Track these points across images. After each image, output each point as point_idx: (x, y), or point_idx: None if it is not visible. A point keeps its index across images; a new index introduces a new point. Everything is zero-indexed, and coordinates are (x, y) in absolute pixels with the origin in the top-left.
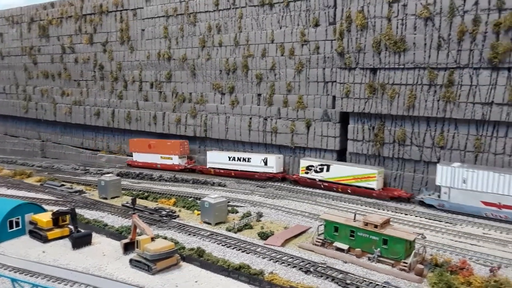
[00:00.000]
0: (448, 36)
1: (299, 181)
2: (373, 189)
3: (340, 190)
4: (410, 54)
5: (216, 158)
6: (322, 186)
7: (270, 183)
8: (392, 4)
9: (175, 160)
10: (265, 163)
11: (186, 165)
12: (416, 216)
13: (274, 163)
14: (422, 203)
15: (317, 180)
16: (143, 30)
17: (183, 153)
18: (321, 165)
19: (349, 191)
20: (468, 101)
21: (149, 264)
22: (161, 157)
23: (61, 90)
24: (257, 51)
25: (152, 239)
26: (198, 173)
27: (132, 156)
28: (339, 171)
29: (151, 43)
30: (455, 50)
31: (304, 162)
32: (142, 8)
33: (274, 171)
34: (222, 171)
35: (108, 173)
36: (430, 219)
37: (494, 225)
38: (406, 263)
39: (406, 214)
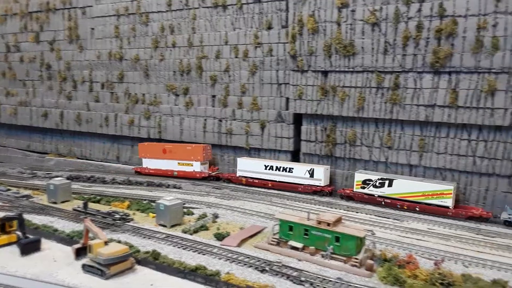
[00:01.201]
0: (393, 41)
1: (354, 197)
2: (447, 207)
3: (405, 207)
4: (359, 58)
5: (249, 166)
6: (382, 202)
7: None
8: (341, 9)
9: (196, 167)
10: (311, 175)
11: (210, 172)
12: (366, 214)
13: (322, 175)
14: (508, 223)
15: (376, 196)
16: (92, 29)
17: (206, 159)
18: (382, 179)
19: (417, 209)
20: (412, 103)
21: (103, 269)
22: (178, 163)
23: (5, 90)
24: (211, 53)
25: (106, 243)
26: (225, 182)
27: (141, 162)
28: (405, 187)
29: (102, 42)
30: (400, 54)
31: (360, 176)
32: (92, 6)
33: (322, 184)
34: (256, 181)
35: (57, 176)
36: (379, 216)
37: (438, 220)
38: (357, 259)
39: (357, 212)
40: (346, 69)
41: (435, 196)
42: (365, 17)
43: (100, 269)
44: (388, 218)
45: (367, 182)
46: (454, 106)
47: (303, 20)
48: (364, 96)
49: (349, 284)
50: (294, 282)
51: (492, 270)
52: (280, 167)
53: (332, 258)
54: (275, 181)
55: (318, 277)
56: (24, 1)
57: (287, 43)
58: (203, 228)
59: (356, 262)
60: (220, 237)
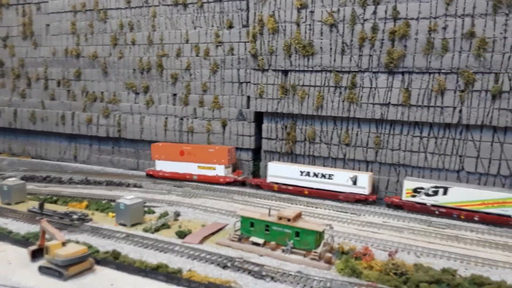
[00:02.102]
0: (350, 42)
1: (404, 206)
2: (510, 216)
3: (462, 217)
4: (318, 57)
5: (281, 172)
6: (436, 212)
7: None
8: (300, 10)
9: (219, 171)
10: (354, 182)
11: (236, 176)
12: (325, 209)
13: (366, 182)
14: None
15: (429, 205)
16: (48, 25)
17: (231, 162)
18: (435, 187)
19: (476, 218)
20: (368, 102)
21: (61, 270)
22: (198, 166)
23: None
24: (172, 51)
25: (63, 244)
26: (253, 188)
27: (153, 165)
28: (462, 195)
29: (57, 39)
30: (357, 55)
31: (410, 184)
32: (47, 2)
33: (366, 192)
34: (290, 188)
35: (11, 177)
36: (338, 211)
37: (392, 214)
38: (317, 252)
39: (316, 208)
40: (306, 69)
41: (496, 205)
42: (323, 18)
43: (58, 270)
44: (346, 212)
45: (418, 190)
46: (407, 105)
47: (264, 20)
48: (323, 95)
49: (309, 276)
50: (256, 277)
51: (442, 260)
52: (319, 173)
53: (292, 253)
54: (312, 188)
55: (279, 271)
56: None
57: (248, 42)
58: (165, 226)
59: (315, 255)
60: (181, 235)
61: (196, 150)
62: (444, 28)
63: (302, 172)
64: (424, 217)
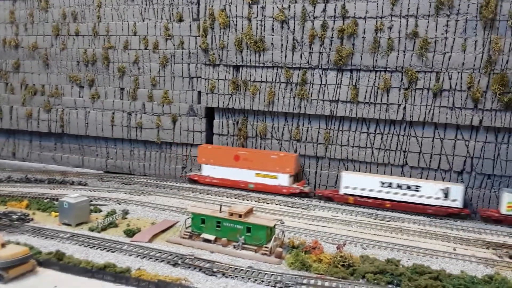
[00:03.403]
0: (301, 39)
1: (505, 221)
2: None
3: None
4: (269, 53)
5: (358, 182)
6: None
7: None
8: (251, 5)
9: (283, 180)
10: (446, 195)
11: (302, 187)
12: (276, 205)
13: (460, 195)
14: None
15: None
16: None
17: (296, 171)
18: None
19: None
20: (319, 99)
21: (0, 273)
22: (256, 174)
23: None
24: (119, 43)
25: (3, 245)
26: (322, 200)
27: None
28: None
29: None
30: (307, 52)
31: (510, 196)
32: None
33: (460, 206)
34: (369, 200)
35: None
36: (288, 206)
37: (341, 208)
38: (267, 247)
39: (267, 203)
40: (257, 64)
41: None
42: (274, 14)
43: None
44: (297, 207)
45: None
46: (355, 102)
47: (215, 14)
48: (274, 91)
49: (260, 271)
50: (207, 274)
51: (386, 251)
52: (403, 184)
53: (243, 248)
54: (395, 201)
55: (230, 267)
56: None
57: (198, 36)
58: (112, 225)
59: (266, 250)
60: (130, 233)
61: (255, 156)
62: (390, 28)
63: (383, 183)
64: (370, 211)
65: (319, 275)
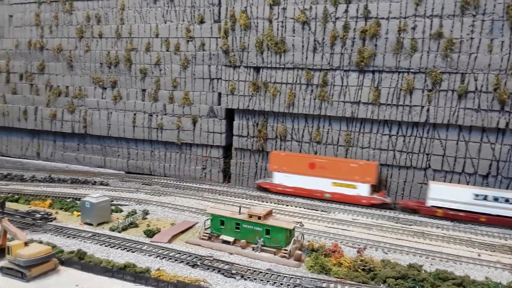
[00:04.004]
0: (322, 40)
1: None
2: None
3: None
4: (290, 55)
5: (448, 194)
6: None
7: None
8: (273, 6)
9: (362, 190)
10: None
11: (383, 198)
12: (296, 207)
13: None
14: None
15: None
16: (11, 16)
17: (376, 181)
18: None
19: None
20: (339, 100)
21: (23, 271)
22: (333, 183)
23: None
24: (141, 45)
25: (26, 244)
26: (406, 212)
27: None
28: None
29: (21, 30)
30: (328, 53)
31: None
32: None
33: None
34: (461, 214)
35: None
36: (308, 208)
37: (361, 211)
38: (287, 250)
39: (287, 205)
40: (278, 66)
41: None
42: (296, 15)
43: (20, 271)
44: (317, 210)
45: None
46: (376, 103)
47: (236, 15)
48: (295, 93)
49: (279, 274)
50: (225, 275)
51: (408, 256)
52: (500, 197)
53: (262, 251)
54: (491, 215)
55: (249, 269)
56: None
57: (219, 38)
58: (133, 225)
59: (285, 253)
60: (150, 234)
61: (333, 164)
62: (413, 28)
63: (477, 195)
64: (392, 214)
65: (339, 279)
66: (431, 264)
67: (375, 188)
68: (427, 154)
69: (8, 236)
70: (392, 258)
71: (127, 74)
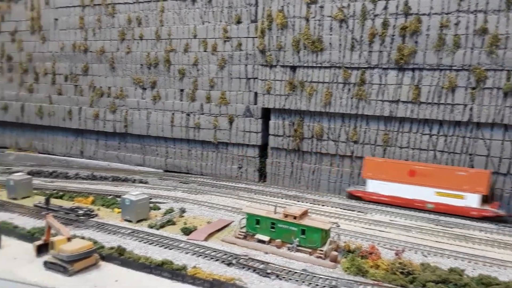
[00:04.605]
0: (360, 38)
1: None
2: None
3: None
4: (327, 53)
5: None
6: None
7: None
8: (310, 5)
9: (471, 201)
10: None
11: (496, 210)
12: (332, 207)
13: None
14: None
15: None
16: (56, 19)
17: (488, 191)
18: None
19: None
20: (377, 99)
21: (66, 266)
22: (437, 192)
23: None
24: (180, 46)
25: (69, 239)
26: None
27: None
28: None
29: (66, 33)
30: (367, 51)
31: None
32: None
33: None
34: None
35: (17, 171)
36: (345, 209)
37: (399, 212)
38: (322, 250)
39: (323, 205)
40: (314, 65)
41: None
42: (333, 13)
43: (63, 266)
44: (353, 210)
45: None
46: (416, 102)
47: (272, 15)
48: (331, 92)
49: (314, 275)
50: (261, 275)
51: (449, 259)
52: None
53: (298, 251)
54: None
55: (284, 269)
56: None
57: (256, 37)
58: (170, 223)
59: (321, 254)
60: (187, 231)
61: (436, 172)
62: (456, 24)
63: None
64: (432, 216)
65: (376, 282)
66: (474, 269)
67: (486, 199)
68: (470, 155)
69: (52, 231)
70: (432, 261)
71: (166, 74)
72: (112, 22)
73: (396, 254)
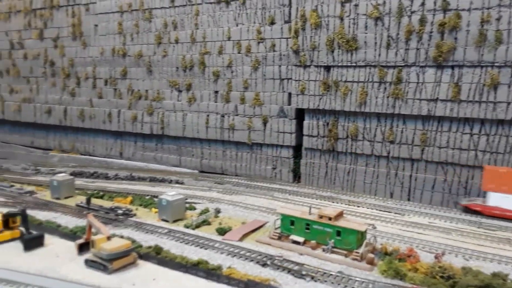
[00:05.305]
0: (396, 36)
1: None
2: None
3: None
4: (362, 52)
5: None
6: None
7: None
8: (344, 4)
9: None
10: None
11: None
12: (367, 208)
13: None
14: None
15: None
16: (96, 25)
17: None
18: None
19: None
20: (415, 98)
21: (105, 264)
22: None
23: (9, 87)
24: (214, 48)
25: (108, 238)
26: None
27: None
28: None
29: (105, 39)
30: (403, 49)
31: None
32: (95, 3)
33: None
34: None
35: (60, 172)
36: (381, 210)
37: (439, 214)
38: (358, 252)
39: (358, 206)
40: (349, 64)
41: None
42: (368, 11)
43: (103, 264)
44: (390, 212)
45: None
46: (456, 100)
47: (306, 15)
48: (367, 91)
49: (350, 277)
50: (295, 276)
51: (492, 263)
52: None
53: (333, 252)
54: None
55: (319, 271)
56: None
57: (289, 38)
58: (205, 223)
59: (357, 256)
60: (222, 231)
61: None
62: (498, 20)
63: None
64: (473, 218)
65: (414, 285)
66: None
67: None
68: None
69: (92, 230)
70: (474, 265)
71: (200, 77)
72: (149, 27)
73: (436, 257)
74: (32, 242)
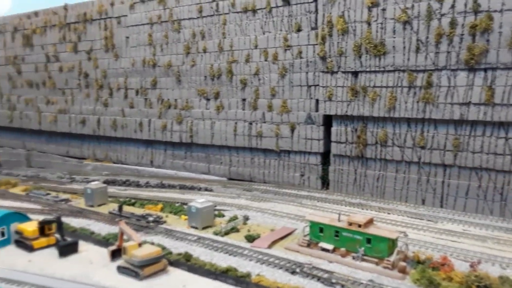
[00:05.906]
0: (426, 39)
1: None
2: None
3: None
4: (390, 57)
5: None
6: None
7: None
8: (371, 8)
9: None
10: None
11: None
12: (398, 215)
13: None
14: None
15: None
16: (127, 37)
17: None
18: None
19: None
20: (446, 102)
21: (137, 270)
22: None
23: (45, 98)
24: (241, 57)
25: (139, 245)
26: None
27: None
28: None
29: (136, 50)
30: (433, 52)
31: None
32: (126, 16)
33: None
34: None
35: (94, 180)
36: (412, 217)
37: (473, 221)
38: (390, 261)
39: (389, 213)
40: (377, 69)
41: None
42: (396, 15)
43: (134, 270)
44: (422, 219)
45: None
46: (490, 104)
47: (333, 21)
48: (396, 96)
49: (381, 286)
50: (325, 284)
51: None
52: None
53: (363, 260)
54: None
55: (349, 279)
56: (63, 13)
57: (316, 44)
58: (234, 230)
59: (388, 264)
60: (250, 239)
61: None
62: None
63: None
64: (510, 226)
65: None
66: None
67: None
68: None
69: (124, 237)
70: (511, 274)
71: (228, 85)
72: (178, 37)
73: (471, 266)
74: (66, 249)
